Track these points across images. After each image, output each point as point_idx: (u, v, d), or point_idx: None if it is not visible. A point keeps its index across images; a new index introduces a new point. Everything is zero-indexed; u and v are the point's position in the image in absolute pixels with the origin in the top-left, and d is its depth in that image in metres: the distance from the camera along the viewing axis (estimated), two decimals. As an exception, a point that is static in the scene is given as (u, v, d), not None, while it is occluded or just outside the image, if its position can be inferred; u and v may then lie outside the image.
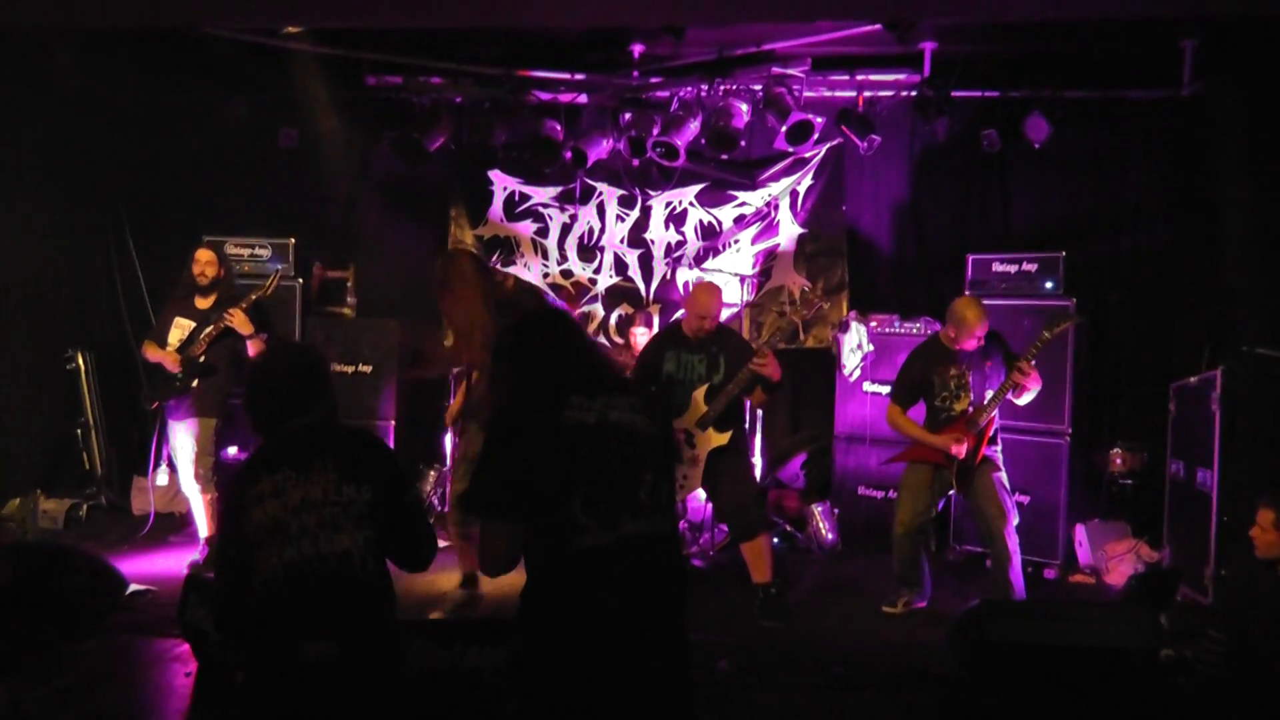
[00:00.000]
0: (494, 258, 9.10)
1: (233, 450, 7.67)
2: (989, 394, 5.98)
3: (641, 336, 7.96)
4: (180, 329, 6.91)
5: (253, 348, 6.88)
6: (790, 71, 8.15)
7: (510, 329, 3.07)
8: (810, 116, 8.13)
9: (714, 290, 6.38)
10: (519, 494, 2.77)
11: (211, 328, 6.82)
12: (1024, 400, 6.04)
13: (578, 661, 2.72)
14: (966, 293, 7.45)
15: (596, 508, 2.73)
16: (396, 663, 3.03)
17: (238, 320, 6.76)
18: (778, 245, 8.90)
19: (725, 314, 8.40)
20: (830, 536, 7.74)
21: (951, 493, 6.17)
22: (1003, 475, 6.02)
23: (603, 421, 2.81)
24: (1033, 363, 5.86)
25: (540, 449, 2.77)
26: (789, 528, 7.92)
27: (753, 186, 8.89)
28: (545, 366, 2.92)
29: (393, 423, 8.08)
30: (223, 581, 3.10)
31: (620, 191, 9.04)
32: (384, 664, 2.97)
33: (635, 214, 9.04)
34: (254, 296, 6.83)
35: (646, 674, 2.74)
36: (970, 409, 6.00)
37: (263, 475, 3.01)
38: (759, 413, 7.91)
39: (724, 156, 8.49)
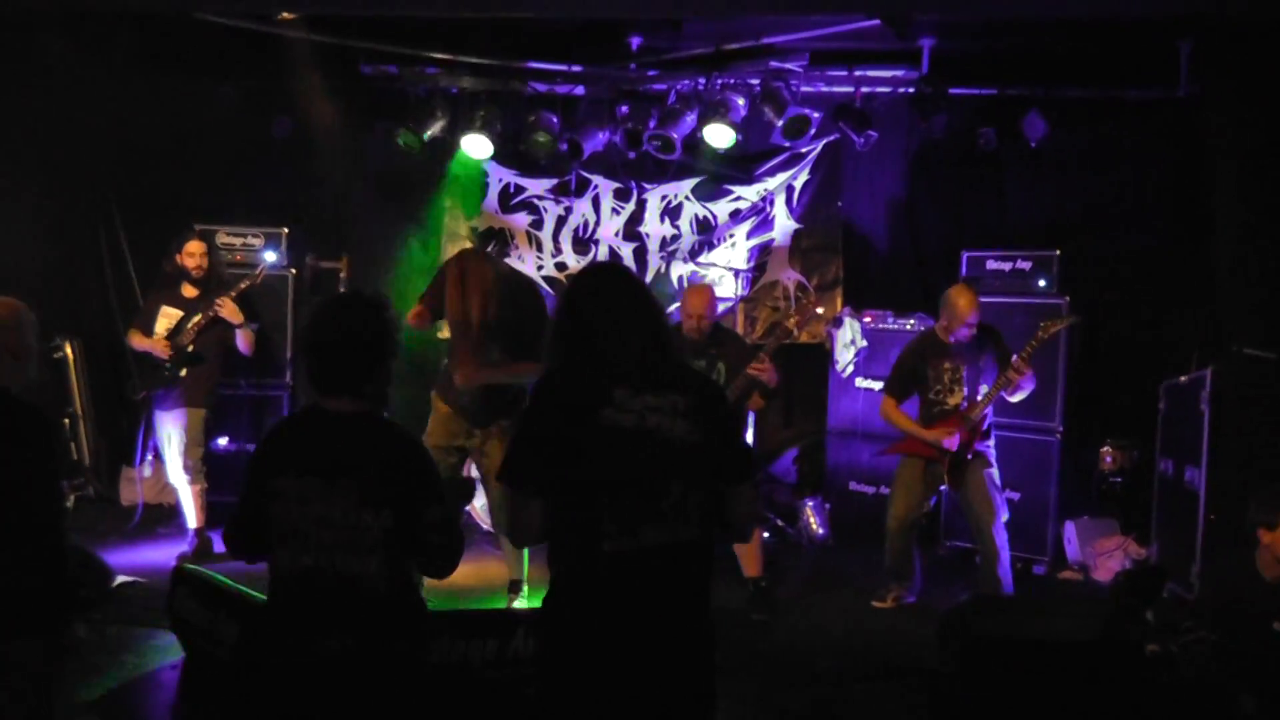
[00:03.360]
0: (489, 249, 9.07)
1: (223, 441, 7.65)
2: (983, 389, 5.99)
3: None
4: (167, 318, 6.88)
5: (242, 338, 6.86)
6: (788, 66, 8.14)
7: (575, 290, 2.91)
8: (807, 111, 8.11)
9: (703, 290, 6.36)
10: (550, 473, 2.74)
11: (200, 317, 6.80)
12: (1017, 398, 6.05)
13: (594, 661, 2.71)
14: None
15: (619, 515, 2.68)
16: (410, 663, 2.99)
17: (228, 309, 6.74)
18: (773, 240, 8.89)
19: (720, 308, 8.46)
20: (821, 531, 7.75)
21: (943, 488, 6.18)
22: (994, 472, 6.03)
23: (640, 426, 2.71)
24: (1028, 361, 5.87)
25: (573, 445, 2.72)
26: (780, 522, 7.92)
27: (749, 181, 8.87)
28: (599, 346, 2.80)
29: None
30: (241, 517, 3.05)
31: (616, 184, 9.01)
32: (396, 663, 2.95)
33: (630, 207, 9.01)
34: (243, 285, 6.82)
35: (664, 677, 2.72)
36: (964, 404, 6.01)
37: (290, 470, 2.92)
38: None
39: (720, 150, 8.47)
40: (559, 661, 2.78)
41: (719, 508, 2.85)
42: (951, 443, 5.93)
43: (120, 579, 6.03)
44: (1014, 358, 5.90)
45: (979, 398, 5.99)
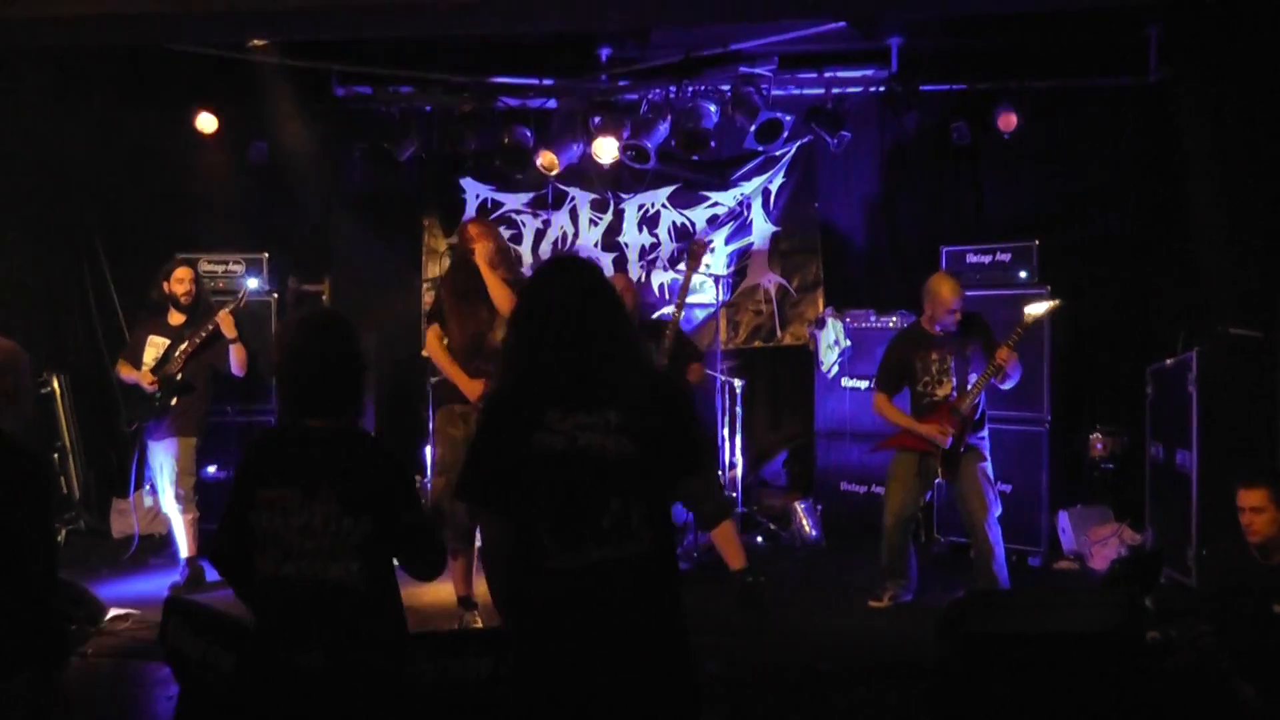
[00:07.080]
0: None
1: (212, 469, 7.61)
2: (972, 378, 5.99)
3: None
4: (155, 347, 6.87)
5: (235, 356, 6.86)
6: (757, 71, 8.15)
7: (524, 301, 2.90)
8: (779, 115, 8.13)
9: None
10: (503, 490, 2.77)
11: (187, 344, 6.79)
12: (1008, 385, 6.06)
13: (555, 676, 2.72)
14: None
15: (560, 534, 2.70)
16: (390, 677, 3.03)
17: (226, 323, 6.76)
18: (752, 244, 8.90)
19: (702, 314, 8.53)
20: (813, 533, 7.74)
21: (938, 481, 6.18)
22: (987, 465, 6.03)
23: (570, 447, 2.71)
24: (1013, 348, 5.88)
25: (511, 468, 2.75)
26: (772, 525, 7.91)
27: (724, 186, 8.88)
28: (539, 362, 2.80)
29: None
30: (226, 530, 3.14)
31: (592, 195, 9.02)
32: (375, 678, 2.99)
33: (608, 218, 9.02)
34: (238, 303, 6.87)
35: (628, 689, 2.71)
36: (953, 394, 6.02)
37: (271, 481, 3.01)
38: (738, 411, 7.88)
39: (695, 157, 8.48)
40: (523, 677, 2.80)
41: (691, 505, 2.87)
42: (944, 441, 5.94)
43: (113, 612, 6.00)
44: (1000, 348, 5.92)
45: (969, 387, 6.00)
